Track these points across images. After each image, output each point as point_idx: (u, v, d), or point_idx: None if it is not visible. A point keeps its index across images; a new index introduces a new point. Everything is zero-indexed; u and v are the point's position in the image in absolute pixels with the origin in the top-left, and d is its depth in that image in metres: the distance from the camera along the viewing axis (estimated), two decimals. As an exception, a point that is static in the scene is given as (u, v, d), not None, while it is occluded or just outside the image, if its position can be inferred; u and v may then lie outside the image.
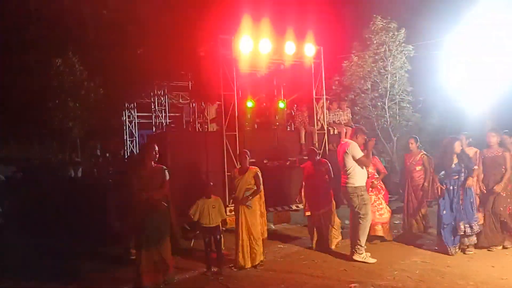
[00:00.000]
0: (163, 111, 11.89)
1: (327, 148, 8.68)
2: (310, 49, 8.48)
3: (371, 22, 13.98)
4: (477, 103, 12.73)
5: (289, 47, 8.27)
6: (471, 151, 6.76)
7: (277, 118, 9.04)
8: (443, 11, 13.82)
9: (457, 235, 6.08)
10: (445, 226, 6.10)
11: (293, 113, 9.28)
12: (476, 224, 6.10)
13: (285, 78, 9.77)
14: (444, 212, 6.13)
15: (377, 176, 7.03)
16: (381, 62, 13.88)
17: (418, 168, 7.29)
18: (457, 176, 6.16)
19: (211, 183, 6.11)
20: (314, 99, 8.83)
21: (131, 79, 12.30)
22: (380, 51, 13.80)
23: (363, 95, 14.29)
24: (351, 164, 6.05)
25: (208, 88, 7.98)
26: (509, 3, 11.33)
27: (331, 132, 9.14)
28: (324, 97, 8.97)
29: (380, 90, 14.08)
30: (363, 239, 6.04)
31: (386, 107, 14.04)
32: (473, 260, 5.91)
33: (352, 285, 5.07)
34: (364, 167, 6.12)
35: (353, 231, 6.15)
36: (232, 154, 7.60)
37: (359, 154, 6.03)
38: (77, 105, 13.84)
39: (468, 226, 6.06)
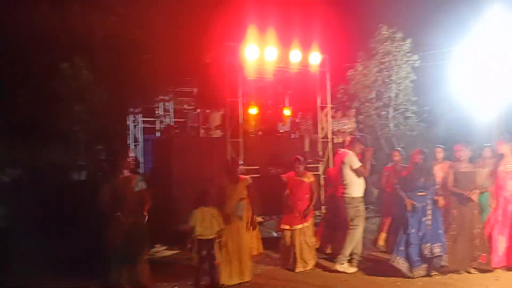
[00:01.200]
0: (168, 116, 11.93)
1: (330, 156, 8.67)
2: (315, 58, 8.52)
3: (377, 31, 14.03)
4: (483, 113, 12.69)
5: (295, 55, 8.32)
6: (445, 166, 6.38)
7: (281, 125, 9.08)
8: (449, 21, 13.82)
9: (422, 255, 5.56)
10: (412, 246, 5.57)
11: (298, 121, 9.29)
12: (438, 247, 5.57)
13: (290, 86, 9.80)
14: (412, 230, 5.60)
15: None
16: (386, 71, 13.89)
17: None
18: (424, 193, 5.68)
19: (210, 190, 5.67)
20: (318, 107, 8.85)
21: (137, 84, 12.36)
22: (385, 61, 13.82)
23: (367, 104, 14.28)
24: (348, 174, 5.99)
25: (214, 94, 8.01)
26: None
27: (335, 141, 9.14)
28: (329, 105, 8.99)
29: (384, 99, 14.07)
30: (347, 249, 5.98)
31: (390, 116, 14.03)
32: (476, 272, 5.85)
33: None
34: (361, 178, 6.05)
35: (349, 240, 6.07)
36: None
37: (357, 164, 5.97)
38: (82, 109, 13.93)
39: (429, 248, 5.55)
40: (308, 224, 6.19)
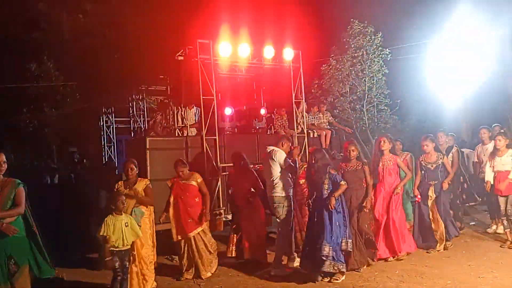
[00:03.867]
0: (141, 116, 11.73)
1: (307, 151, 8.72)
2: (288, 53, 8.54)
3: (349, 26, 14.16)
4: (452, 104, 13.05)
5: (268, 51, 8.31)
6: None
7: (256, 122, 9.06)
8: (419, 16, 14.13)
9: (321, 258, 5.22)
10: (310, 247, 5.35)
11: (273, 117, 9.30)
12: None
13: (264, 82, 9.79)
14: (322, 230, 5.29)
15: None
16: (359, 65, 14.05)
17: (301, 181, 6.54)
18: (321, 194, 5.41)
19: (123, 195, 5.04)
20: (293, 102, 8.87)
21: (108, 83, 12.12)
22: (357, 55, 13.97)
23: (342, 98, 14.43)
24: (278, 172, 5.78)
25: (187, 92, 7.92)
26: (484, 7, 11.68)
27: (311, 135, 9.20)
28: (303, 100, 9.04)
29: (358, 93, 14.24)
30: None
31: (364, 109, 14.22)
32: (450, 259, 6.03)
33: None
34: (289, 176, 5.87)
35: (280, 242, 5.95)
36: (212, 158, 7.56)
37: (287, 162, 5.79)
38: (53, 110, 13.58)
39: (333, 250, 5.23)
40: (203, 228, 5.82)
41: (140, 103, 11.68)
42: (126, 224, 4.87)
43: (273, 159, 5.82)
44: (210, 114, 7.72)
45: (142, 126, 11.67)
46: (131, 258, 5.05)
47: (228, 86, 10.15)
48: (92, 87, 13.36)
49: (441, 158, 6.39)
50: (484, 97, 12.91)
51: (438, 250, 6.29)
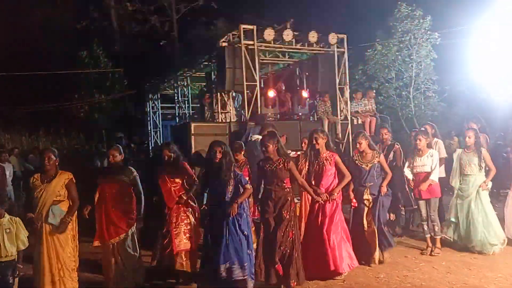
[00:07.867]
0: (186, 101, 12.00)
1: (350, 138, 8.61)
2: (333, 38, 8.40)
3: (396, 9, 13.69)
4: (504, 92, 12.38)
5: (312, 36, 8.21)
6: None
7: (299, 108, 9.01)
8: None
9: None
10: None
11: (316, 103, 9.22)
12: (238, 268, 4.30)
13: (308, 68, 9.71)
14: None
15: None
16: (406, 50, 13.59)
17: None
18: (224, 197, 4.44)
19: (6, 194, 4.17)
20: (337, 88, 8.74)
21: (155, 70, 12.48)
22: (405, 39, 13.50)
23: (387, 84, 14.04)
24: None
25: (231, 78, 7.99)
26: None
27: (355, 122, 9.06)
28: (348, 86, 8.89)
29: (404, 79, 13.82)
30: None
31: (411, 96, 13.78)
32: (503, 252, 5.75)
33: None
34: None
35: None
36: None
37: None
38: (102, 96, 14.20)
39: (239, 267, 4.30)
40: (130, 234, 4.75)
41: (185, 89, 11.93)
42: (7, 231, 4.07)
43: (258, 149, 5.27)
44: (253, 100, 7.76)
45: (187, 111, 11.94)
46: (42, 266, 4.24)
47: (271, 72, 10.15)
48: (139, 73, 13.81)
49: (377, 157, 5.50)
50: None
51: (370, 265, 5.32)
